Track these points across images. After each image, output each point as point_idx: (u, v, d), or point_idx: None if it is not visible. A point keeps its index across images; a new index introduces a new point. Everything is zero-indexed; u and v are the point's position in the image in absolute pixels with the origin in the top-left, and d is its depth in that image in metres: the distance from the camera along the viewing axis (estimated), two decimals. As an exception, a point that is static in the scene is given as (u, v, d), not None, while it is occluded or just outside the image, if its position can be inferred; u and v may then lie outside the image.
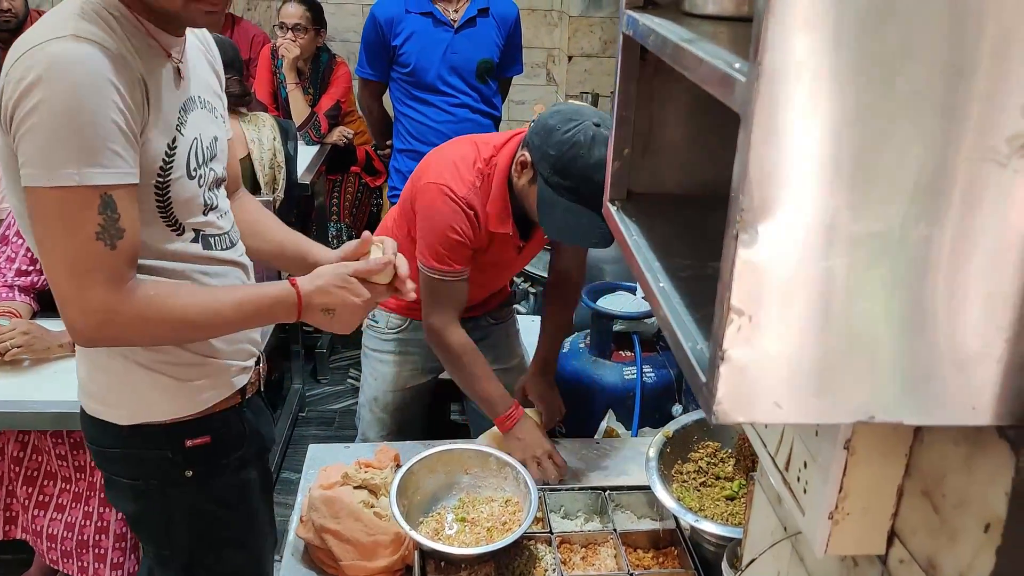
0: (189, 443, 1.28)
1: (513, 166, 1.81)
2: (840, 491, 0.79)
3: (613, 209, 0.98)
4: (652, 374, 2.68)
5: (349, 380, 3.87)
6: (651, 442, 1.69)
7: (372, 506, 1.71)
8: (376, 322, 2.17)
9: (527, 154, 1.75)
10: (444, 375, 2.33)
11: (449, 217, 1.82)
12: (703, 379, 0.61)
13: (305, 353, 3.83)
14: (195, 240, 1.26)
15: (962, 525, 0.69)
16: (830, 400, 0.59)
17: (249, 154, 2.93)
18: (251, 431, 1.42)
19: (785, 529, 1.07)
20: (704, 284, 0.69)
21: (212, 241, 1.29)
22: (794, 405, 0.59)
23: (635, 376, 2.64)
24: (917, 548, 0.77)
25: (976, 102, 0.53)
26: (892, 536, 0.81)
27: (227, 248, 1.33)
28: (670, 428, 1.72)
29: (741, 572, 0.96)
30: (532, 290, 3.41)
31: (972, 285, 0.57)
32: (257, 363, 1.45)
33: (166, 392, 1.25)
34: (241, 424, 1.38)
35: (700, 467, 1.68)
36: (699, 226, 0.95)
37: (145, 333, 1.17)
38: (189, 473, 1.29)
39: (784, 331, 0.57)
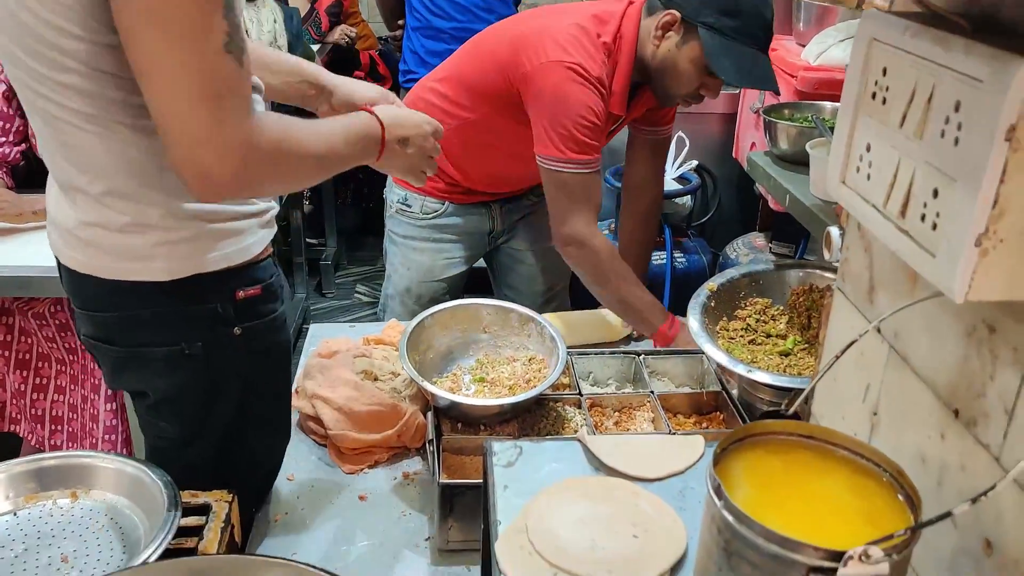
0: (241, 294, 1.12)
1: (652, 34, 1.64)
2: (995, 206, 0.59)
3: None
4: (683, 259, 2.49)
5: (356, 295, 3.70)
6: (694, 296, 1.49)
7: (375, 378, 1.53)
8: (409, 206, 1.97)
9: (673, 12, 1.61)
10: (479, 264, 2.14)
11: (585, 97, 1.62)
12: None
13: (309, 269, 3.64)
14: None
15: None
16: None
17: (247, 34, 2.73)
18: (284, 286, 1.26)
19: (880, 331, 0.88)
20: None
21: None
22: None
23: (664, 261, 2.44)
24: (1103, 271, 0.57)
25: None
26: (1057, 273, 0.61)
27: None
28: (715, 282, 1.52)
29: (818, 379, 0.76)
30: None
31: None
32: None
33: (216, 239, 1.09)
34: (279, 276, 1.22)
35: (748, 324, 1.49)
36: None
37: (277, 173, 1.01)
38: (237, 331, 1.13)
39: None
